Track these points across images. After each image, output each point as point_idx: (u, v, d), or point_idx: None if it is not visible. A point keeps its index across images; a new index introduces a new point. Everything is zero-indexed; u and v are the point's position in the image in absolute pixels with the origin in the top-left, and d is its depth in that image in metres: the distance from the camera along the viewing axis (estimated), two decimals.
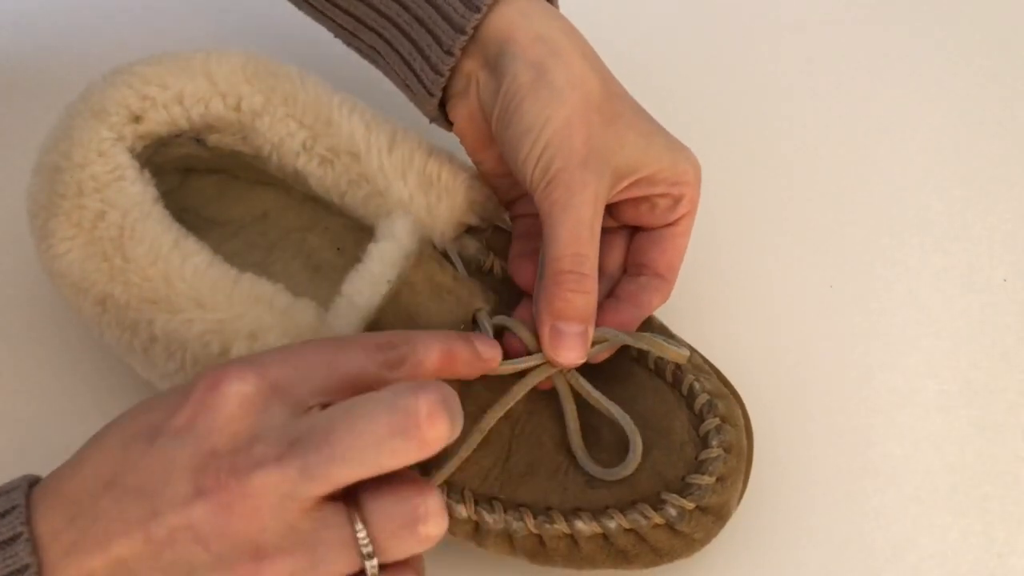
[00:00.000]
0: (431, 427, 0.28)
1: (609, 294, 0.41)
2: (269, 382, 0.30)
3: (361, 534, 0.29)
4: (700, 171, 0.40)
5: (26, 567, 0.28)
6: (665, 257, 0.40)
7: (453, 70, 0.40)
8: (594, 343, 0.37)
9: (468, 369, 0.35)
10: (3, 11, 0.55)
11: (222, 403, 0.29)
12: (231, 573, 0.28)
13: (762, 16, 0.57)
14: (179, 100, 0.41)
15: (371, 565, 0.29)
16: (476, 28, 0.39)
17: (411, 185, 0.40)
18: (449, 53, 0.39)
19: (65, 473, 0.30)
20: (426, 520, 0.29)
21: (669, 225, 0.41)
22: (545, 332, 0.37)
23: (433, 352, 0.33)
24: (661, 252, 0.41)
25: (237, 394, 0.29)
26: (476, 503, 0.38)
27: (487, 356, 0.35)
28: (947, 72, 0.55)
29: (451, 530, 0.38)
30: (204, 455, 0.29)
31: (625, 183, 0.39)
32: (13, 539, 0.28)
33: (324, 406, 0.30)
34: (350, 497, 0.29)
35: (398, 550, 0.29)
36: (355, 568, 0.29)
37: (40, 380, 0.45)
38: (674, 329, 0.42)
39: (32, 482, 0.31)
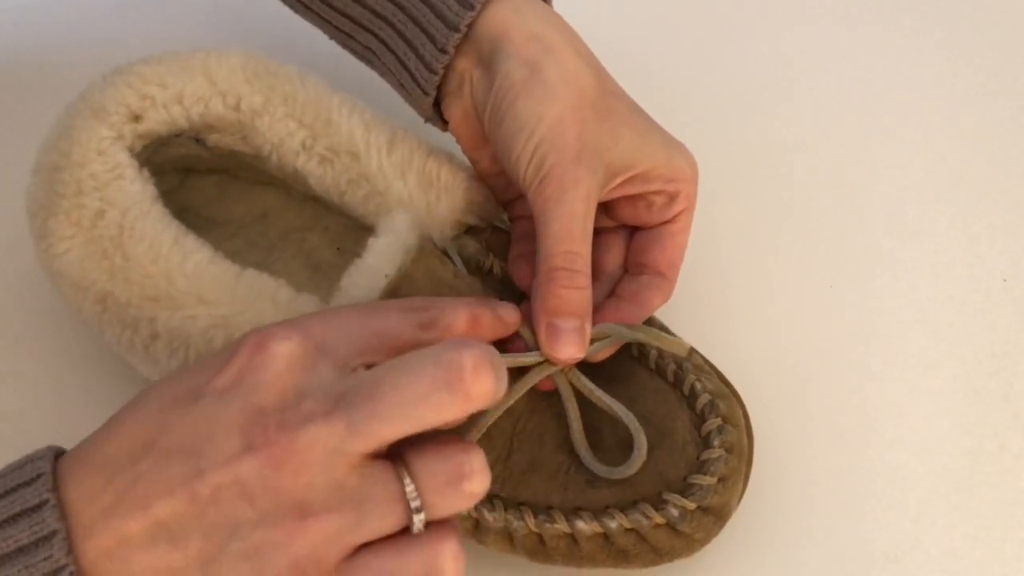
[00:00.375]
0: (476, 381, 0.28)
1: (610, 294, 0.41)
2: (314, 342, 0.30)
3: (409, 488, 0.29)
4: (697, 168, 0.40)
5: (53, 533, 0.28)
6: (665, 255, 0.40)
7: (447, 68, 0.40)
8: (593, 340, 0.37)
9: (491, 332, 0.35)
10: (3, 11, 0.55)
11: (269, 362, 0.29)
12: (276, 531, 0.28)
13: (762, 16, 0.57)
14: (179, 99, 0.41)
15: (418, 519, 0.29)
16: (470, 26, 0.39)
17: (411, 184, 0.40)
18: (443, 51, 0.39)
19: (98, 439, 0.30)
20: (471, 477, 0.29)
21: (667, 223, 0.40)
22: (541, 329, 0.37)
23: (461, 315, 0.33)
24: (661, 250, 0.40)
25: (284, 353, 0.29)
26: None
27: (509, 320, 0.36)
28: (948, 72, 0.55)
29: None
30: (252, 412, 0.29)
31: (619, 180, 0.38)
32: (39, 506, 0.28)
33: (368, 367, 0.30)
34: (395, 456, 0.29)
35: (443, 507, 0.29)
36: (400, 525, 0.29)
37: (40, 379, 0.45)
38: (674, 329, 0.42)
39: (58, 452, 0.30)
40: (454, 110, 0.41)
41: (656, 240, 0.41)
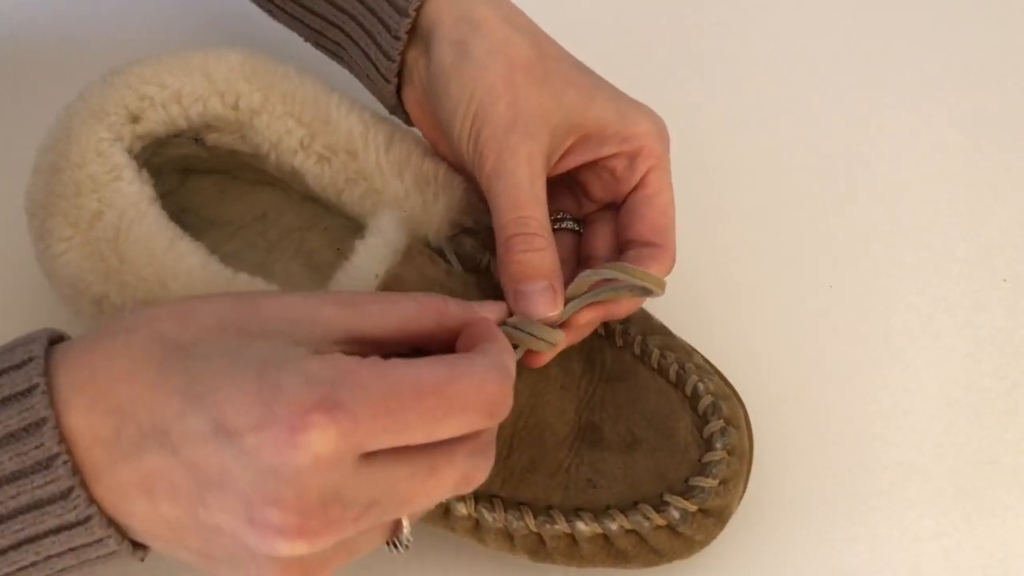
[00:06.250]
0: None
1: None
2: (357, 438, 0.27)
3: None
4: (662, 125, 0.39)
5: (43, 420, 0.27)
6: (646, 222, 0.39)
7: (402, 57, 0.40)
8: (568, 299, 0.36)
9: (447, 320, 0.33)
10: (2, 12, 0.55)
11: (300, 456, 0.26)
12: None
13: (764, 16, 0.57)
14: (177, 99, 0.41)
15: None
16: (418, 11, 0.39)
17: (408, 183, 0.40)
18: (396, 37, 0.39)
19: (103, 352, 0.29)
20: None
21: (639, 188, 0.39)
22: (510, 298, 0.36)
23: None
24: (640, 218, 0.39)
25: (321, 452, 0.26)
26: (476, 501, 0.37)
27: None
28: (949, 72, 0.55)
29: (452, 527, 0.38)
30: (268, 498, 0.27)
31: (569, 141, 0.38)
32: (29, 391, 0.27)
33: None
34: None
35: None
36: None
37: None
38: (674, 329, 0.42)
39: (53, 337, 0.30)
40: (409, 100, 0.41)
41: (634, 209, 0.39)
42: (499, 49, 0.37)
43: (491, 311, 0.35)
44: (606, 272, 0.36)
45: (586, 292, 0.36)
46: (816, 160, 0.52)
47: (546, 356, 0.37)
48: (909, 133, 0.53)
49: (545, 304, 0.35)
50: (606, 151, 0.38)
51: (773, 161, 0.52)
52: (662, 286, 0.36)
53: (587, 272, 0.36)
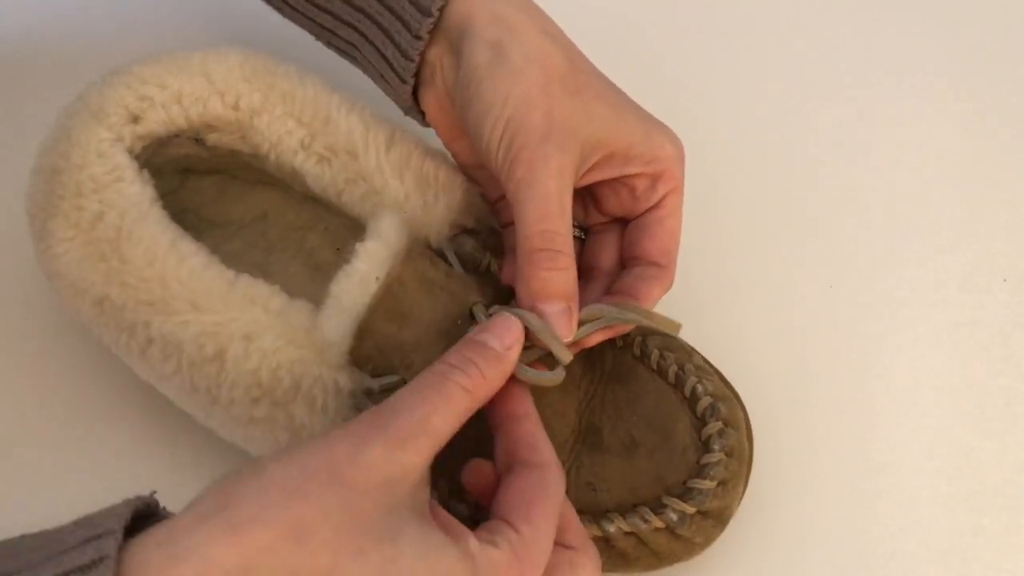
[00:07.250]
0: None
1: (607, 291, 0.40)
2: None
3: None
4: (681, 148, 0.39)
5: None
6: (656, 243, 0.39)
7: (422, 57, 0.39)
8: (582, 322, 0.37)
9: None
10: (1, 13, 0.55)
11: None
12: None
13: (764, 15, 0.57)
14: (177, 99, 0.41)
15: None
16: (441, 10, 0.38)
17: (408, 184, 0.40)
18: (418, 37, 0.39)
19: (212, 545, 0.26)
20: None
21: (654, 208, 0.39)
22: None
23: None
24: (651, 238, 0.39)
25: None
26: (478, 504, 0.37)
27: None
28: (948, 71, 0.55)
29: None
30: None
31: (596, 157, 0.38)
32: None
33: None
34: None
35: None
36: None
37: (40, 381, 0.45)
38: None
39: (135, 512, 0.26)
40: (429, 100, 0.40)
41: (645, 228, 0.40)
42: (535, 57, 0.37)
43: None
44: (624, 315, 0.36)
45: (598, 319, 0.37)
46: (816, 160, 0.52)
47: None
48: (909, 133, 0.53)
49: (562, 326, 0.36)
50: (630, 170, 0.39)
51: (773, 161, 0.52)
52: (677, 331, 0.37)
53: (606, 307, 0.37)
